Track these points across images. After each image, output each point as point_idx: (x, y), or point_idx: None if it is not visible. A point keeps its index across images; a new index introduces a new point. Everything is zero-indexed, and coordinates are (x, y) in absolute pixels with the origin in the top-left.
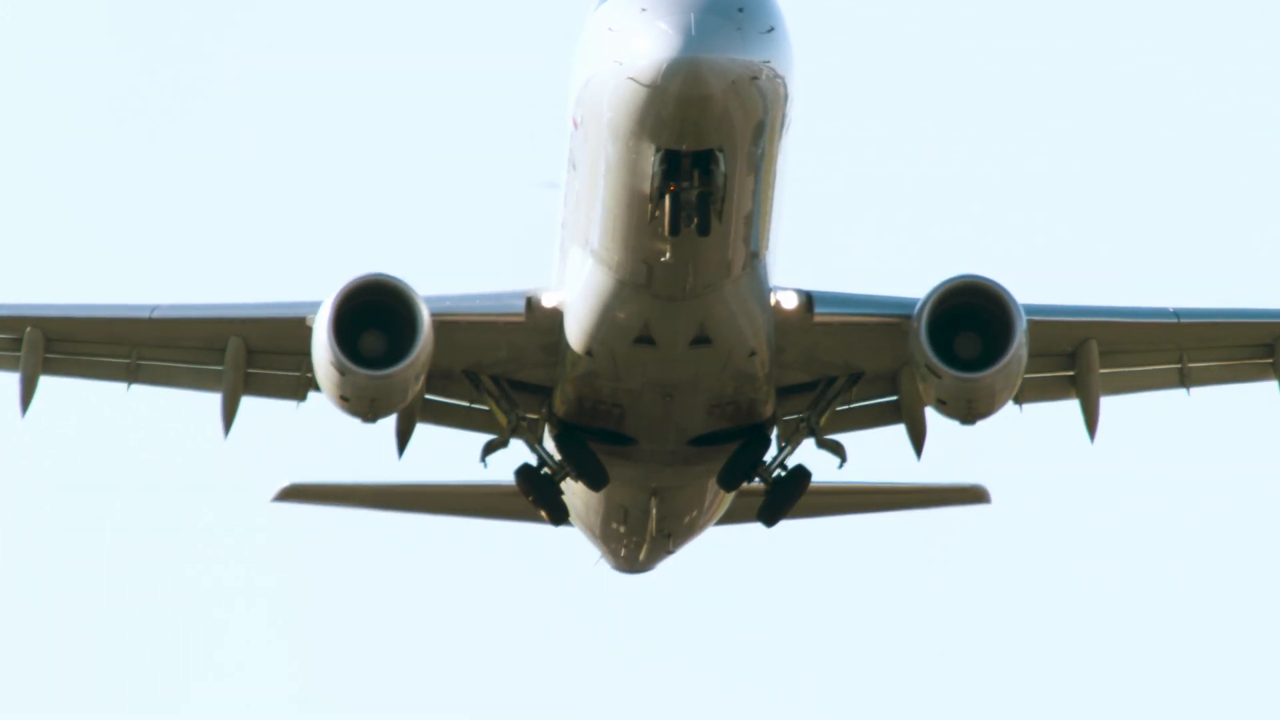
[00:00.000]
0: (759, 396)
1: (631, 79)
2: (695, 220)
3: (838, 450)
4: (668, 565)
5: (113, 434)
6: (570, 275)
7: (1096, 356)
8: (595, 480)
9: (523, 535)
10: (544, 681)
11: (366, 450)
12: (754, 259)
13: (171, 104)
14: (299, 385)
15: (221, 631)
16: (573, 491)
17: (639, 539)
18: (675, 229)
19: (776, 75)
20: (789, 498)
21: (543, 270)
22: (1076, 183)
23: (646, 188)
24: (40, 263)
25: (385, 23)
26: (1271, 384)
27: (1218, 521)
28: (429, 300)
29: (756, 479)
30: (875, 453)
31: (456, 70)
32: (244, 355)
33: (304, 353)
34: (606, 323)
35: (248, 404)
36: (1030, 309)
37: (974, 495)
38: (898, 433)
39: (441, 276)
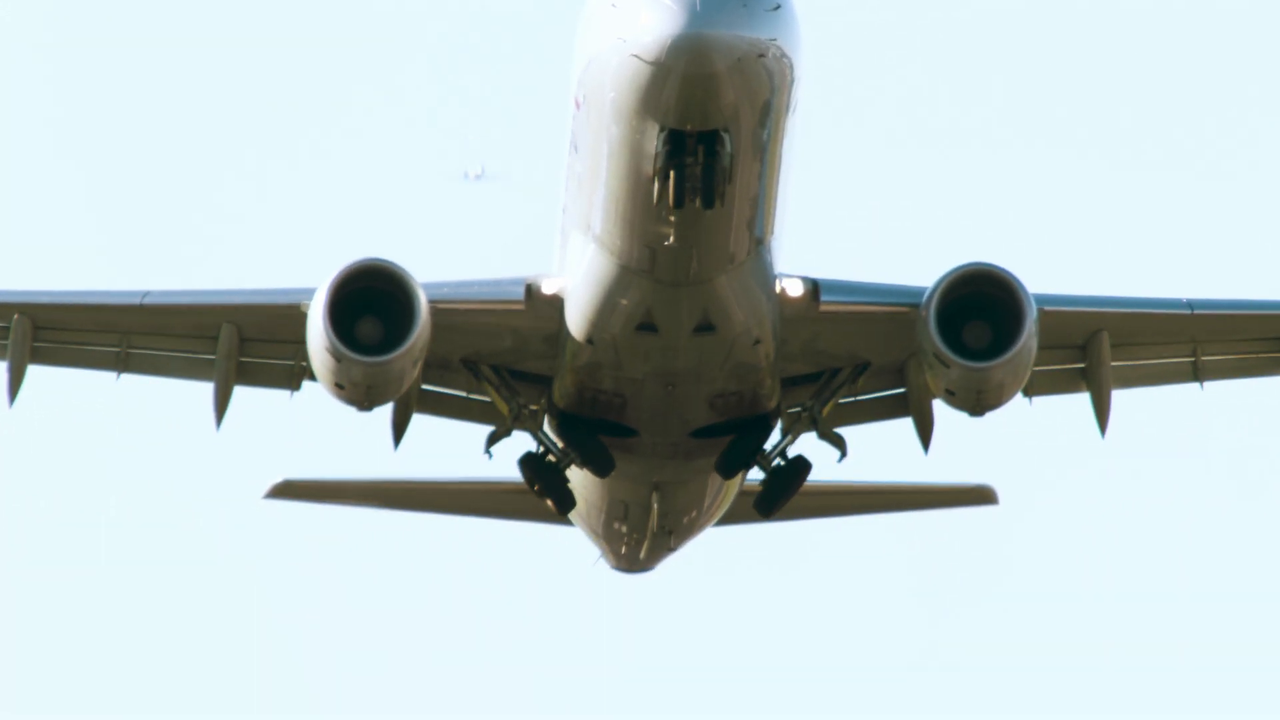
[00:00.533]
0: (763, 387)
1: (635, 56)
2: (699, 196)
3: (838, 443)
4: (668, 565)
5: (102, 425)
6: (571, 261)
7: (1108, 348)
8: (601, 466)
9: (521, 535)
10: (541, 682)
11: (362, 442)
12: (758, 245)
13: (164, 88)
14: (293, 374)
15: (210, 632)
16: (572, 487)
17: (640, 536)
18: (680, 202)
19: (783, 54)
20: (787, 488)
21: (543, 257)
22: (1089, 171)
23: (650, 169)
24: (28, 249)
25: (379, 5)
26: None
27: (1231, 520)
28: (426, 287)
29: (756, 468)
30: (881, 450)
31: (453, 53)
32: (237, 343)
33: (298, 341)
34: (608, 310)
35: (240, 394)
36: (1041, 298)
37: (981, 496)
38: (904, 431)
39: (439, 264)
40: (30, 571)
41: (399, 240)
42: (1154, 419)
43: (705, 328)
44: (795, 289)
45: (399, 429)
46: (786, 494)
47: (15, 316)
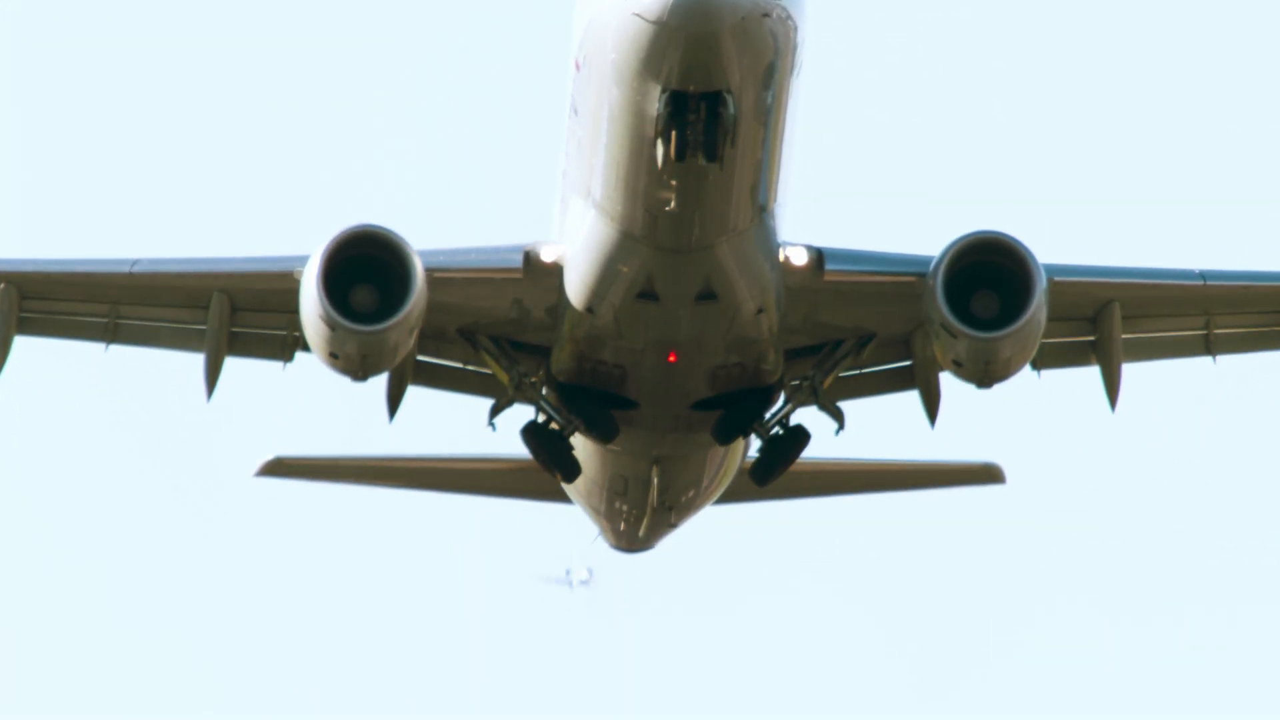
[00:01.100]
0: (766, 359)
1: (637, 15)
2: (701, 152)
3: (837, 415)
4: (667, 545)
5: (90, 397)
6: (571, 228)
7: (1119, 320)
8: (605, 433)
9: (517, 513)
10: (538, 663)
11: (357, 415)
12: (761, 212)
13: (156, 53)
14: (286, 345)
15: (199, 614)
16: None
17: (640, 512)
18: (681, 155)
19: (788, 15)
20: (785, 457)
21: (542, 225)
22: (1100, 138)
23: (652, 131)
24: (13, 216)
25: None
26: None
27: (1245, 497)
28: (422, 254)
29: (754, 436)
30: (885, 428)
31: (450, 15)
32: (228, 312)
33: (291, 310)
34: (608, 277)
35: (232, 365)
36: (1050, 269)
37: (988, 475)
38: (908, 408)
39: (436, 231)
40: (14, 547)
41: (394, 208)
42: (1165, 394)
43: (707, 296)
44: (799, 257)
45: (394, 401)
46: (783, 463)
47: (1, 285)
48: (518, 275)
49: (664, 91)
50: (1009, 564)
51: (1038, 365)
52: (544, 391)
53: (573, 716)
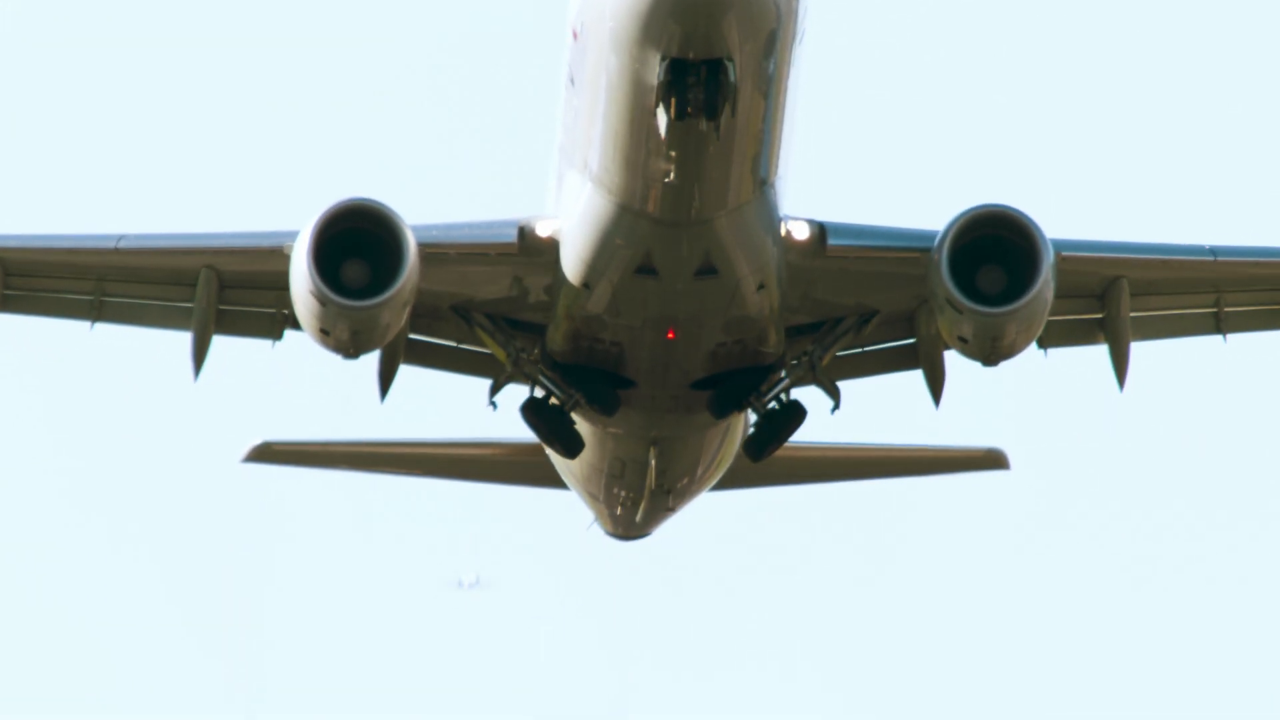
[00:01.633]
0: (767, 336)
1: None
2: (701, 115)
3: (834, 393)
4: (663, 533)
5: (75, 376)
6: (567, 202)
7: (1127, 297)
8: (607, 405)
9: (512, 499)
10: (533, 652)
11: (347, 394)
12: (763, 185)
13: (141, 31)
14: (275, 322)
15: (184, 601)
16: None
17: (637, 496)
18: (681, 115)
19: None
20: (780, 432)
21: (537, 199)
22: (1109, 112)
23: (651, 100)
24: None
25: None
26: None
27: (1256, 480)
28: (415, 229)
29: (750, 410)
30: (885, 411)
31: None
32: (216, 289)
33: (280, 287)
34: (606, 252)
35: (220, 344)
36: (1058, 244)
37: (992, 460)
38: (911, 391)
39: (430, 207)
40: None
41: (386, 183)
42: (1174, 373)
43: (707, 271)
44: (801, 232)
45: (385, 380)
46: (778, 439)
47: None
48: (512, 250)
49: (664, 59)
50: (1012, 549)
51: (1044, 344)
52: (542, 367)
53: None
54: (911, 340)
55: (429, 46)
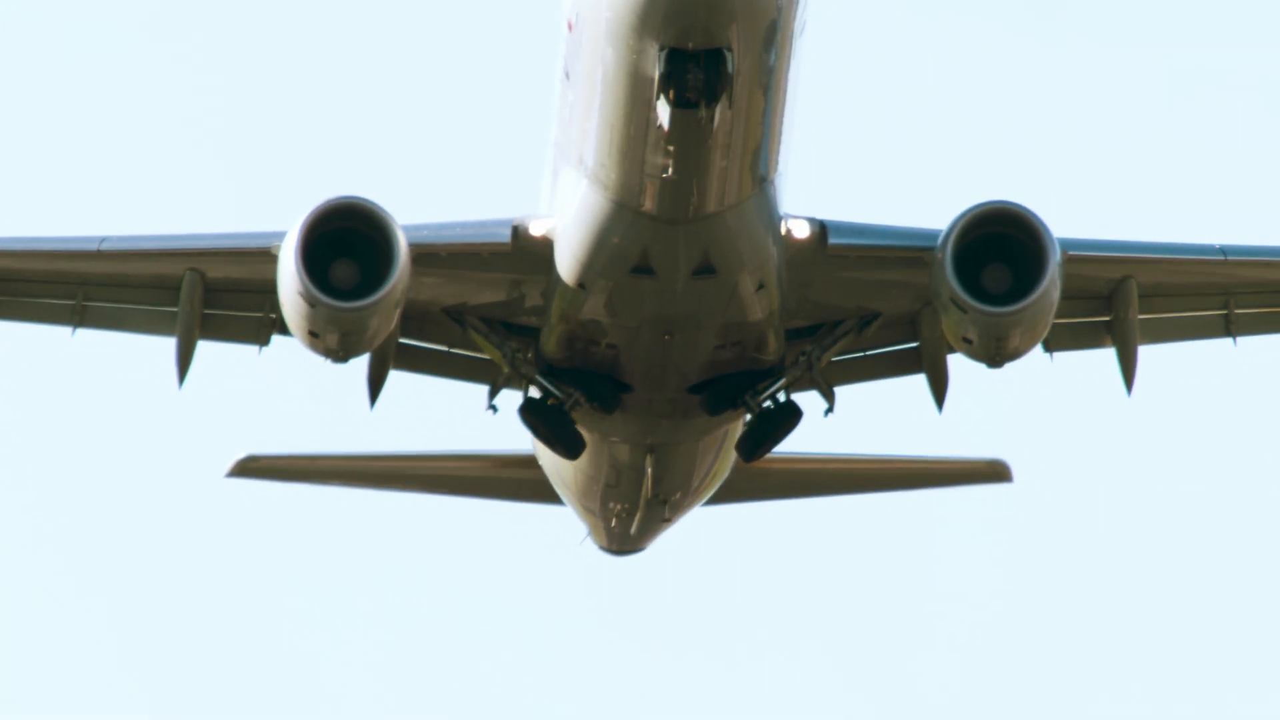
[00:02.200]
0: (766, 338)
1: None
2: (700, 114)
3: (828, 395)
4: (660, 546)
5: (56, 384)
6: (562, 200)
7: (1136, 298)
8: (608, 401)
9: (501, 514)
10: (525, 668)
11: (335, 403)
12: (762, 182)
13: (129, 22)
14: (261, 327)
15: (167, 616)
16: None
17: (632, 506)
18: (679, 117)
19: None
20: (774, 432)
21: (531, 197)
22: (1114, 109)
23: (649, 93)
24: None
25: None
26: None
27: (1266, 487)
28: (406, 229)
29: (743, 407)
30: (886, 415)
31: None
32: (201, 293)
33: (267, 290)
34: (602, 250)
35: (205, 350)
36: (1064, 243)
37: (994, 473)
38: (910, 399)
39: (419, 207)
40: None
41: (374, 183)
42: (1183, 377)
43: (705, 270)
44: (801, 230)
45: (375, 386)
46: (772, 438)
47: None
48: (506, 249)
49: (662, 49)
50: (1015, 560)
51: (1050, 347)
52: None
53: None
54: (914, 344)
55: (419, 41)
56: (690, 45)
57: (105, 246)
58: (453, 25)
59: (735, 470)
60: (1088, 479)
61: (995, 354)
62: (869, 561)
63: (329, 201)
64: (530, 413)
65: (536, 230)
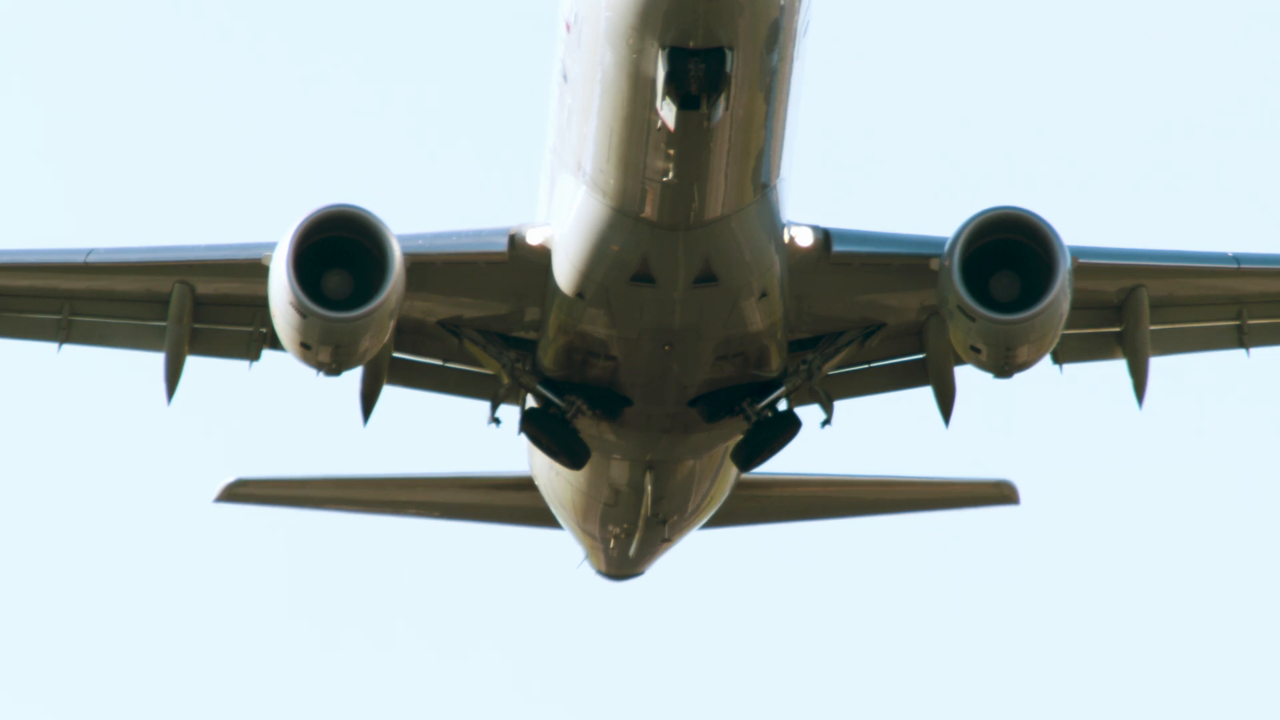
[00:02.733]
0: (768, 350)
1: None
2: (702, 115)
3: (827, 405)
4: (658, 571)
5: (41, 401)
6: (559, 207)
7: (1147, 308)
8: (611, 408)
9: (497, 538)
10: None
11: (327, 420)
12: (765, 188)
13: (117, 28)
14: (252, 342)
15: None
16: (556, 472)
17: (631, 526)
18: (680, 118)
19: None
20: (771, 441)
21: (528, 206)
22: (1123, 116)
23: (649, 94)
24: None
25: None
26: None
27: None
28: (401, 239)
29: (741, 415)
30: (891, 430)
31: None
32: (190, 307)
33: (257, 304)
34: (601, 259)
35: (195, 366)
36: (1073, 251)
37: (1000, 494)
38: (917, 411)
39: (413, 216)
40: None
41: (366, 191)
42: (1195, 390)
43: (706, 278)
44: (805, 238)
45: (368, 401)
46: (769, 448)
47: None
48: (502, 259)
49: (663, 49)
50: (1022, 578)
51: (1059, 359)
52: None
53: None
54: (919, 356)
55: (410, 44)
56: (692, 44)
57: (92, 259)
58: (445, 27)
59: (735, 494)
60: (1098, 494)
61: (1004, 364)
62: (872, 582)
63: (321, 209)
64: (532, 423)
65: (534, 239)
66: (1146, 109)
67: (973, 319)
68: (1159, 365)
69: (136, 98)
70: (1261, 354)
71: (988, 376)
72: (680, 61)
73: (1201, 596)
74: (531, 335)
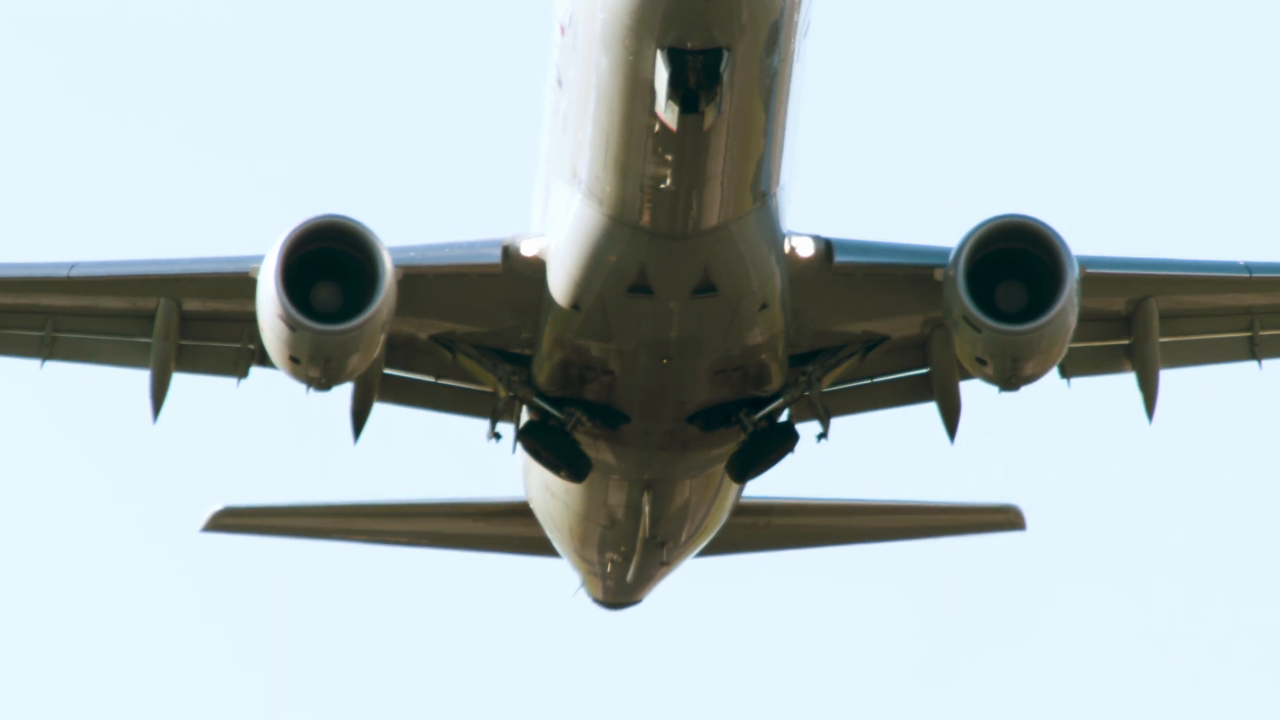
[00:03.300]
0: (768, 363)
1: None
2: (700, 119)
3: (824, 419)
4: (654, 600)
5: (23, 419)
6: (554, 217)
7: (1156, 318)
8: (611, 420)
9: (492, 565)
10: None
11: (316, 430)
12: (764, 196)
13: (101, 42)
14: (240, 359)
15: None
16: (551, 493)
17: (629, 549)
18: (678, 122)
19: None
20: (767, 453)
21: (522, 217)
22: (1131, 124)
23: (646, 98)
24: None
25: None
26: None
27: None
28: (392, 251)
29: (738, 425)
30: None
31: None
32: (176, 322)
33: (245, 319)
34: (597, 269)
35: (181, 383)
36: (1081, 260)
37: (1005, 519)
38: (921, 427)
39: (404, 228)
40: None
41: (356, 202)
42: (1206, 403)
43: (705, 289)
44: (806, 248)
45: (359, 418)
46: (765, 459)
47: None
48: (496, 270)
49: (661, 51)
50: (1030, 596)
51: (1067, 372)
52: (534, 395)
53: None
54: (923, 370)
55: (401, 50)
56: (690, 45)
57: (75, 273)
58: (436, 32)
59: (732, 520)
60: (1107, 510)
61: (1010, 376)
62: (875, 601)
63: (310, 220)
64: (530, 436)
65: (528, 250)
66: (1155, 115)
67: (978, 330)
68: (1169, 378)
69: (121, 107)
70: (1275, 366)
71: (993, 391)
72: (678, 64)
73: (1216, 616)
74: (527, 351)
